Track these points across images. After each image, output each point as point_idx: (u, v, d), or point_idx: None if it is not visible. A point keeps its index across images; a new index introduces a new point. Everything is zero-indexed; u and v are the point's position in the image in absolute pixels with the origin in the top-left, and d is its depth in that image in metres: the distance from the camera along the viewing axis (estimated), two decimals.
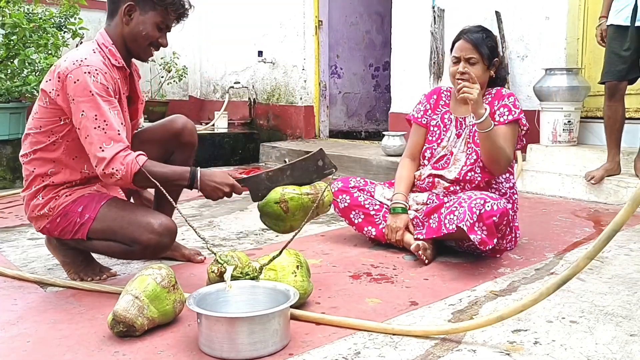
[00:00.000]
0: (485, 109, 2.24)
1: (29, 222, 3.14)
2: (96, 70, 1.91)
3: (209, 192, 1.96)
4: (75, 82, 1.89)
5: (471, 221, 2.10)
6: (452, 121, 2.54)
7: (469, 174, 2.42)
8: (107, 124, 1.89)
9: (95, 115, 1.88)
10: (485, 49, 2.38)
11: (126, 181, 1.90)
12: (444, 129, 2.55)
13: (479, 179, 2.43)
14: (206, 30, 7.41)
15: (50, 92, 1.96)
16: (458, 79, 2.38)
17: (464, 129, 2.50)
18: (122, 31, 2.02)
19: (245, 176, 2.05)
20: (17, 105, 4.28)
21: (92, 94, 1.88)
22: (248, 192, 2.02)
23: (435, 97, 2.63)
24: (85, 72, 1.89)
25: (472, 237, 2.10)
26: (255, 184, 2.02)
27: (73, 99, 1.90)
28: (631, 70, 3.33)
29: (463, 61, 2.39)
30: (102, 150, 1.87)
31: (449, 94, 2.62)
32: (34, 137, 2.03)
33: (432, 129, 2.59)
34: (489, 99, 2.45)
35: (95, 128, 1.88)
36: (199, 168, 1.97)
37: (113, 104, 1.94)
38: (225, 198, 1.99)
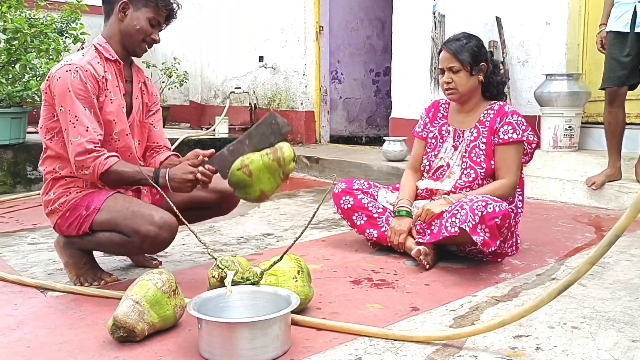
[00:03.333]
0: (447, 201, 2.27)
1: (31, 227, 3.16)
2: (76, 68, 2.03)
3: (177, 187, 2.03)
4: (57, 80, 2.03)
5: (473, 222, 2.09)
6: (450, 133, 2.54)
7: (463, 191, 2.41)
8: (77, 119, 2.01)
9: (69, 111, 2.02)
10: (465, 56, 2.38)
11: (93, 179, 2.05)
12: (441, 141, 2.56)
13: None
14: (207, 36, 7.43)
15: (44, 91, 2.11)
16: (446, 90, 2.44)
17: (461, 141, 2.49)
18: (118, 28, 2.15)
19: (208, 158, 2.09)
20: (18, 110, 4.29)
21: (69, 91, 2.01)
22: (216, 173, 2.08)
23: (433, 110, 2.65)
24: (66, 71, 2.03)
25: (474, 238, 2.09)
26: (221, 162, 2.07)
27: (55, 95, 2.04)
28: (631, 76, 3.34)
29: (447, 71, 2.42)
30: (71, 144, 2.01)
31: (447, 106, 2.62)
32: (41, 136, 2.15)
33: (429, 140, 2.60)
34: (491, 115, 2.44)
35: (69, 122, 2.02)
36: (162, 169, 2.06)
37: (89, 102, 2.04)
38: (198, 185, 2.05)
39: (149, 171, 2.05)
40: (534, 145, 2.44)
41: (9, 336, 1.70)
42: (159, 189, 1.96)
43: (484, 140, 2.43)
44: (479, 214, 2.10)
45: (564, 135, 3.98)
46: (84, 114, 2.02)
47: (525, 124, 2.42)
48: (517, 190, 2.48)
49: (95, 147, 2.01)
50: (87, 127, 2.01)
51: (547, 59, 4.32)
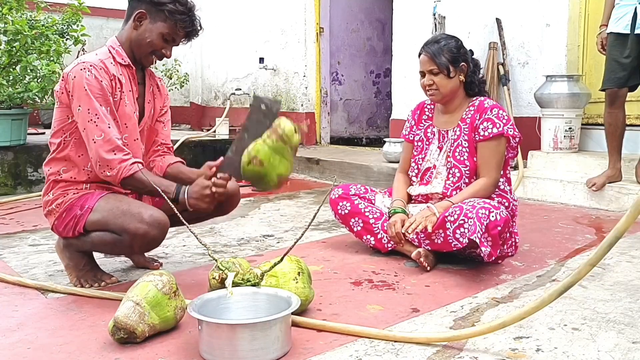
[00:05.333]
0: (434, 213, 2.25)
1: (31, 228, 3.17)
2: (91, 65, 2.02)
3: (195, 203, 2.02)
4: (73, 79, 2.01)
5: (481, 232, 2.09)
6: (435, 134, 2.53)
7: (455, 192, 2.40)
8: (98, 117, 2.00)
9: (89, 109, 2.00)
10: (443, 58, 2.37)
11: (114, 180, 2.03)
12: (427, 143, 2.55)
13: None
14: (208, 37, 7.43)
15: (58, 92, 2.09)
16: (428, 91, 2.44)
17: (446, 142, 2.48)
18: (131, 35, 2.13)
19: (217, 164, 2.07)
20: (19, 111, 4.30)
21: (86, 89, 2.00)
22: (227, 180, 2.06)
23: (418, 112, 2.64)
24: (81, 69, 2.01)
25: (483, 249, 2.09)
26: (230, 165, 2.05)
27: (72, 95, 2.02)
28: (631, 77, 3.34)
29: (427, 74, 2.41)
30: (94, 142, 1.99)
31: (432, 107, 2.61)
32: (51, 139, 2.15)
33: (416, 143, 2.60)
34: (472, 112, 2.43)
35: (89, 121, 2.00)
36: (183, 186, 2.05)
37: (106, 100, 2.03)
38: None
39: (170, 185, 2.04)
40: (517, 140, 2.41)
41: (9, 337, 1.71)
42: (173, 206, 1.87)
43: (466, 137, 2.42)
44: (485, 223, 2.09)
45: (564, 136, 3.98)
46: (104, 113, 2.01)
47: (506, 117, 2.38)
48: (506, 186, 2.46)
49: (121, 145, 2.01)
50: (109, 125, 2.01)
51: (548, 61, 4.32)
